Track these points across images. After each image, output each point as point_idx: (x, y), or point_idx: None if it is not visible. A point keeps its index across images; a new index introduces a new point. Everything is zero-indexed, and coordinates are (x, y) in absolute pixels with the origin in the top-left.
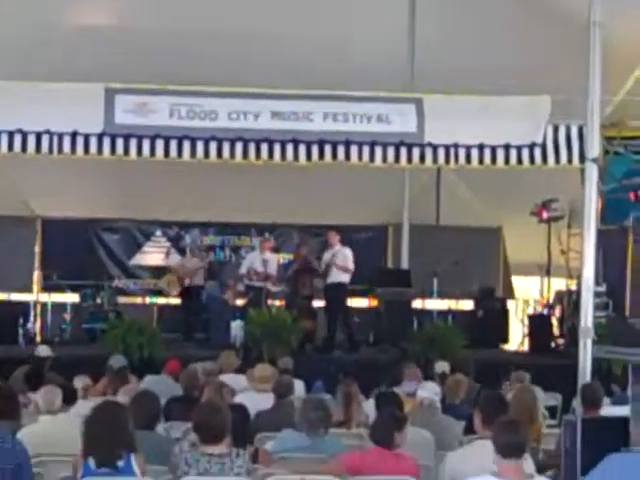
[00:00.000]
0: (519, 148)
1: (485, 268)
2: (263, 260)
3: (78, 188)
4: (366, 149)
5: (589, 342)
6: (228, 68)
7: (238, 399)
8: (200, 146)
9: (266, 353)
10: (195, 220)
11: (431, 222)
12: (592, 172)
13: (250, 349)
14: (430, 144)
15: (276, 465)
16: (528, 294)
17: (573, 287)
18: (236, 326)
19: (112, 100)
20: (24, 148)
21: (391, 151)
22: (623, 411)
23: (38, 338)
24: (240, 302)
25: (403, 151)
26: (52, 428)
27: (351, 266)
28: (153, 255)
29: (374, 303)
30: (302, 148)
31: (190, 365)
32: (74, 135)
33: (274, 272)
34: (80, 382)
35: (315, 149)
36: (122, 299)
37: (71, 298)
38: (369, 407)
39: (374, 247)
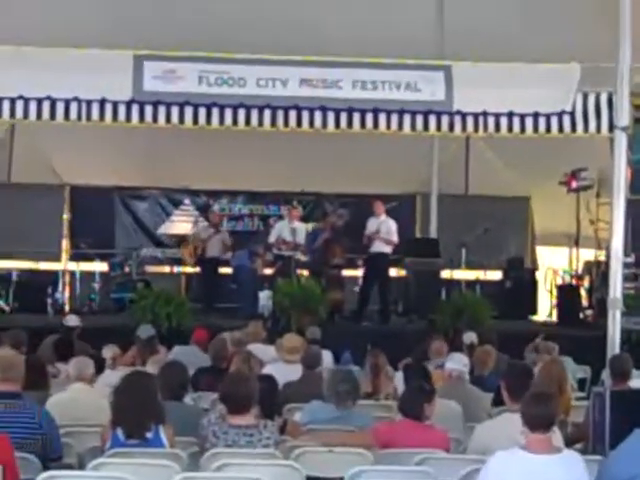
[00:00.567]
0: (548, 116)
1: (514, 238)
2: (291, 229)
3: (107, 156)
4: (394, 117)
5: (618, 313)
6: (257, 35)
7: (266, 370)
8: (228, 113)
9: (294, 323)
10: (223, 189)
11: (460, 191)
12: (621, 141)
13: (278, 319)
14: (459, 112)
15: (304, 437)
16: (557, 264)
17: (602, 258)
18: (264, 296)
19: (141, 67)
20: (52, 115)
21: (420, 119)
22: None
23: (67, 307)
24: (269, 271)
25: (432, 119)
26: (81, 396)
27: (395, 238)
28: (181, 224)
29: (402, 273)
30: (330, 116)
31: (218, 335)
32: (102, 102)
33: (302, 241)
34: (109, 352)
35: (344, 117)
36: (150, 268)
37: (99, 267)
38: (397, 379)
39: (402, 216)
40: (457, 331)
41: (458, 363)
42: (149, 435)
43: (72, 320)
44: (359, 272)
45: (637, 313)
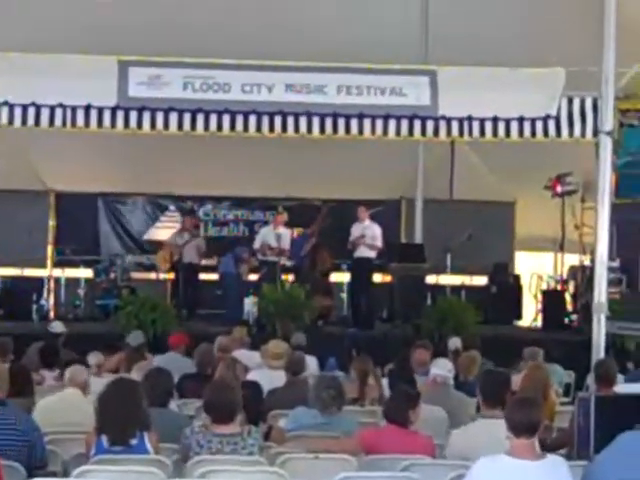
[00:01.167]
0: (533, 121)
1: (499, 243)
2: (276, 235)
3: (92, 162)
4: (379, 122)
5: (603, 318)
6: (242, 41)
7: (251, 376)
8: (213, 119)
9: (279, 329)
10: (208, 194)
11: (445, 196)
12: (606, 145)
13: (263, 325)
14: (444, 117)
15: (289, 443)
16: (542, 270)
17: (587, 262)
18: (249, 302)
19: (125, 73)
20: (37, 122)
21: (405, 124)
22: (637, 388)
23: (52, 314)
24: (254, 277)
25: (417, 124)
26: (75, 401)
27: (379, 243)
28: (167, 230)
29: (387, 278)
30: (316, 121)
31: (203, 343)
32: (87, 108)
33: (287, 247)
34: (94, 359)
35: (329, 122)
36: (135, 275)
37: (85, 273)
38: (383, 385)
39: (387, 221)
40: (442, 336)
41: (443, 369)
42: (134, 442)
43: (57, 327)
44: (345, 277)
45: (622, 318)
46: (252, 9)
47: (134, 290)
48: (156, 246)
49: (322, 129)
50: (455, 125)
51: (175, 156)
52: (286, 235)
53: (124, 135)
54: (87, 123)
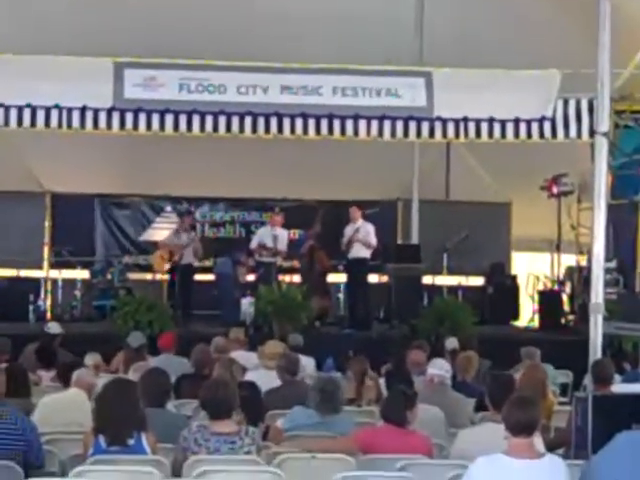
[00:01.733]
0: (529, 122)
1: (495, 244)
2: (273, 235)
3: (88, 163)
4: (375, 123)
5: (600, 318)
6: (237, 42)
7: (248, 377)
8: (209, 120)
9: (276, 330)
10: (205, 195)
11: (441, 197)
12: (602, 146)
13: (260, 326)
14: (439, 118)
15: (287, 443)
16: (538, 270)
17: (583, 263)
18: (246, 303)
19: (121, 74)
20: (33, 123)
21: (400, 125)
22: (634, 388)
23: (48, 315)
24: (250, 278)
25: (412, 125)
26: (79, 400)
27: (373, 241)
28: (163, 231)
29: (384, 279)
30: (311, 122)
31: (200, 344)
32: (83, 110)
33: (284, 247)
34: (91, 359)
35: (324, 123)
36: (132, 275)
37: (81, 274)
38: (380, 385)
39: (383, 222)
40: (439, 337)
41: (440, 369)
42: (131, 442)
43: (54, 327)
44: (342, 278)
45: (619, 318)
46: (247, 11)
47: (131, 291)
48: (153, 247)
49: (318, 130)
50: (451, 126)
51: (171, 157)
52: (283, 236)
53: (120, 136)
54: (83, 124)
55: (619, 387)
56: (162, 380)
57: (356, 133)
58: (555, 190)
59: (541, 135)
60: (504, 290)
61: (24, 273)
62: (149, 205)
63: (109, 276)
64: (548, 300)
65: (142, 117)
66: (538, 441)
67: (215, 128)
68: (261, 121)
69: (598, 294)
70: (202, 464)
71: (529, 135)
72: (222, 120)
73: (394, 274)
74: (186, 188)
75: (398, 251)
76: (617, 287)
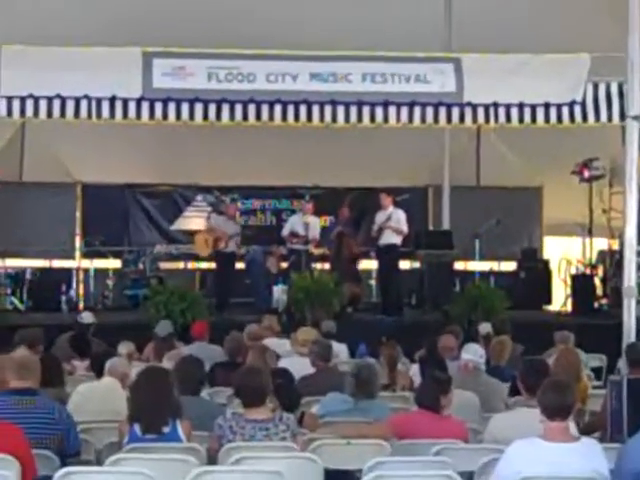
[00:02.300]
0: (559, 106)
1: (527, 228)
2: (304, 223)
3: (117, 153)
4: (405, 110)
5: (633, 302)
6: (265, 30)
7: (281, 364)
8: (239, 109)
9: (309, 317)
10: (235, 184)
11: (471, 183)
12: (633, 130)
13: (293, 313)
14: (469, 103)
15: (322, 429)
16: (571, 254)
17: (615, 247)
18: (279, 290)
19: (150, 64)
20: (63, 113)
21: (430, 111)
22: None
23: (81, 305)
24: (283, 265)
25: (442, 111)
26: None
27: (405, 228)
28: (194, 220)
29: (416, 265)
30: (340, 109)
31: (233, 331)
32: (112, 100)
33: (316, 235)
34: (124, 348)
35: (354, 110)
36: (164, 265)
37: (113, 264)
38: (413, 371)
39: (414, 209)
40: (472, 322)
41: (474, 354)
42: (166, 430)
43: (87, 317)
44: (373, 264)
45: None
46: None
47: (162, 280)
48: (185, 236)
49: (347, 117)
50: (481, 111)
51: (201, 147)
52: (315, 223)
53: (150, 126)
54: (112, 114)
55: None
56: (196, 368)
57: (386, 120)
58: (586, 174)
59: (571, 119)
60: (536, 275)
61: (56, 264)
62: (179, 194)
63: (141, 265)
64: (581, 284)
65: (171, 106)
66: (572, 425)
67: (245, 116)
68: (290, 109)
69: (631, 277)
70: (238, 451)
71: (559, 119)
72: (251, 108)
73: (426, 260)
74: (216, 177)
75: (429, 237)
76: None
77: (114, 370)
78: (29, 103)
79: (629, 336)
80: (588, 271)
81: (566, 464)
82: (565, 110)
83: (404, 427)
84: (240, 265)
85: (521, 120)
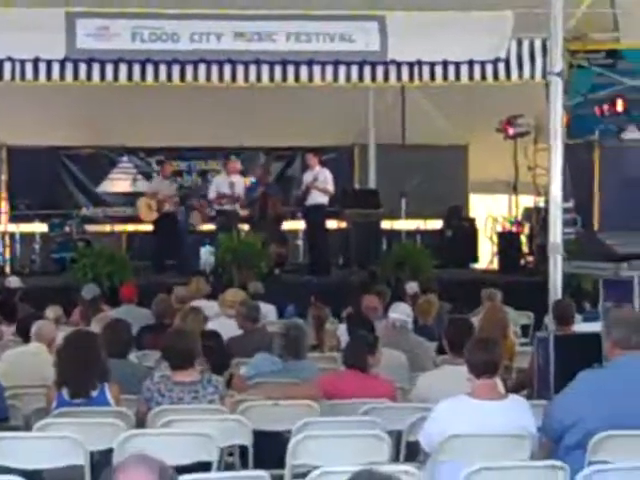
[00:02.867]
0: (483, 64)
1: (453, 186)
2: (230, 182)
3: (43, 115)
4: (329, 69)
5: (559, 258)
6: None
7: (210, 326)
8: (163, 69)
9: (237, 278)
10: (161, 145)
11: (397, 141)
12: (557, 86)
13: (220, 275)
14: (394, 62)
15: (250, 390)
16: (496, 212)
17: (541, 204)
18: (206, 252)
19: (73, 25)
20: None
21: (354, 70)
22: (594, 327)
23: (7, 269)
24: (210, 227)
25: (367, 70)
26: (43, 353)
27: (331, 188)
28: (120, 182)
29: (342, 225)
30: (265, 69)
31: (160, 294)
32: (36, 61)
33: (242, 193)
34: (52, 312)
35: (278, 70)
36: (90, 227)
37: (39, 228)
38: (341, 331)
39: (340, 168)
40: (399, 281)
41: (401, 313)
42: (94, 394)
43: (14, 282)
44: (300, 225)
45: (578, 257)
46: None
47: (90, 243)
48: (110, 198)
49: (271, 77)
50: (405, 70)
51: (126, 107)
52: (240, 183)
53: (75, 88)
54: (36, 76)
55: (580, 326)
56: (124, 330)
57: (310, 79)
58: (511, 131)
59: (495, 76)
60: (463, 233)
61: None
62: (105, 156)
63: (67, 229)
64: (507, 242)
65: (95, 67)
66: (499, 383)
67: (169, 77)
68: (215, 69)
69: (556, 234)
70: (166, 414)
71: (483, 77)
72: (176, 69)
73: (352, 220)
74: (141, 139)
75: (356, 196)
76: (575, 227)
77: (40, 334)
78: None
79: (555, 293)
80: (514, 229)
81: (493, 421)
82: (489, 67)
83: (332, 387)
84: None
85: (445, 78)
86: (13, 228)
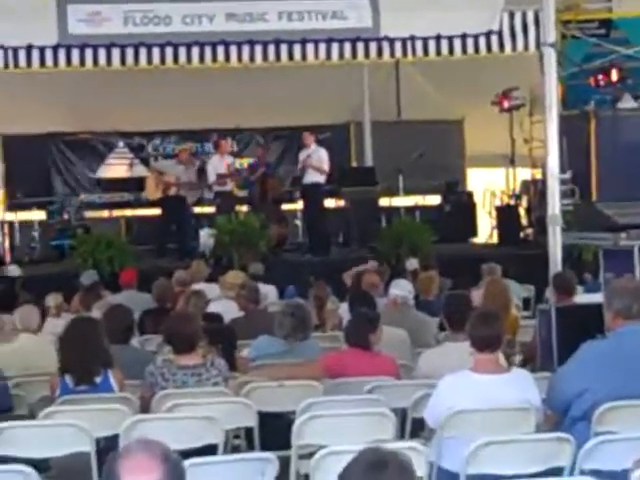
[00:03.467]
0: (476, 37)
1: (450, 161)
2: (225, 163)
3: (37, 103)
4: (322, 47)
5: (558, 230)
6: None
7: (211, 308)
8: (156, 52)
9: (236, 260)
10: (156, 129)
11: (392, 118)
12: (550, 57)
13: (220, 257)
14: (387, 38)
15: (254, 372)
16: (494, 186)
17: (538, 176)
18: (205, 234)
19: (64, 10)
20: None
21: (348, 47)
22: (596, 298)
23: (7, 258)
24: (210, 210)
25: (360, 46)
26: (29, 345)
27: (326, 166)
28: (117, 167)
29: (340, 203)
30: (258, 49)
31: (161, 277)
32: (29, 49)
33: (240, 171)
34: (52, 300)
35: (271, 49)
36: (89, 213)
37: (38, 215)
38: (343, 309)
39: (337, 146)
40: (399, 258)
41: (402, 289)
42: (98, 380)
43: (14, 270)
44: (299, 204)
45: (577, 228)
46: None
47: (89, 229)
48: (108, 184)
49: (265, 57)
50: (398, 45)
51: (121, 92)
52: (232, 163)
53: (68, 74)
54: (29, 63)
55: (581, 297)
56: (125, 316)
57: (304, 57)
58: (506, 104)
59: (488, 49)
60: (461, 207)
61: None
62: (101, 142)
63: (66, 216)
64: (505, 215)
65: (88, 53)
66: (501, 357)
67: (162, 60)
68: (208, 50)
69: (555, 206)
70: (170, 398)
71: (477, 50)
72: (169, 52)
73: (350, 198)
74: (137, 123)
75: (353, 174)
76: (573, 198)
77: (25, 324)
78: None
79: (555, 264)
80: (512, 202)
81: (497, 395)
82: (482, 40)
83: (335, 366)
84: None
85: (438, 52)
86: (11, 217)
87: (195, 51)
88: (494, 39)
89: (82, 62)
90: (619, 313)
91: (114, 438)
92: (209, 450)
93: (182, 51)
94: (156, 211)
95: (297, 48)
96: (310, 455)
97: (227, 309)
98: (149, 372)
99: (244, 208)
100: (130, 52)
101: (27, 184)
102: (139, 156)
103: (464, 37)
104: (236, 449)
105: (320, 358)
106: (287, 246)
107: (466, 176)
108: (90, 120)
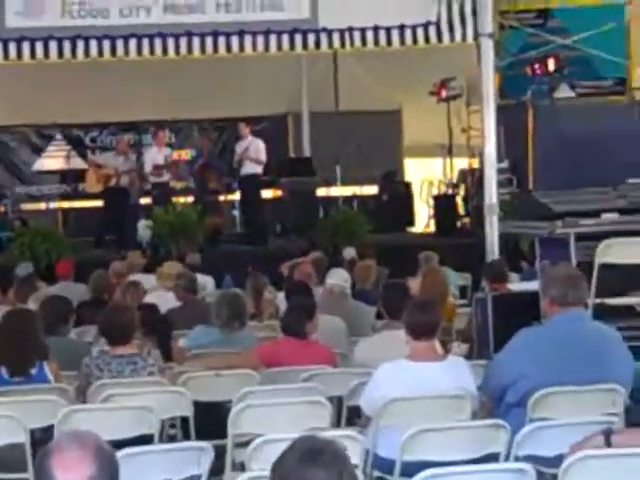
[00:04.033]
0: (414, 28)
1: (387, 151)
2: (162, 155)
3: None
4: (260, 39)
5: (495, 219)
6: None
7: (148, 299)
8: (94, 45)
9: (174, 251)
10: (94, 121)
11: (330, 108)
12: (487, 47)
13: (158, 248)
14: (325, 29)
15: (190, 362)
16: (432, 175)
17: (476, 165)
18: (142, 226)
19: (2, 3)
20: None
21: (286, 39)
22: (531, 286)
23: None
24: (146, 201)
25: (298, 38)
26: None
27: (263, 157)
28: (54, 160)
29: (278, 194)
30: (196, 41)
31: (97, 269)
32: None
33: (177, 163)
34: None
35: (209, 41)
36: (26, 206)
37: None
38: (280, 299)
39: (275, 137)
40: (337, 247)
41: (339, 279)
42: (33, 371)
43: None
44: (236, 196)
45: (514, 217)
46: None
47: (26, 222)
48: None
49: (203, 49)
50: (336, 37)
51: (58, 84)
52: (170, 154)
53: (5, 67)
54: None
55: (517, 285)
56: (61, 306)
57: (242, 49)
58: (444, 94)
59: (427, 40)
60: (398, 197)
61: None
62: (38, 134)
63: (2, 208)
64: (443, 204)
65: (25, 46)
66: (437, 344)
67: (100, 52)
68: (145, 43)
69: (492, 195)
70: (106, 388)
71: (415, 41)
72: (106, 44)
73: (288, 188)
74: (75, 115)
75: (291, 165)
76: (510, 187)
77: None
78: None
79: (492, 253)
80: (450, 191)
81: (433, 383)
82: (420, 31)
83: (271, 355)
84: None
85: (377, 43)
86: None
87: (133, 43)
88: (432, 29)
89: (19, 55)
90: (555, 300)
91: (49, 429)
92: (145, 440)
93: (120, 43)
94: (97, 203)
95: (235, 40)
96: (246, 444)
97: (164, 300)
98: (85, 363)
99: (181, 199)
100: (67, 45)
101: None
102: (77, 148)
103: (402, 28)
104: (172, 439)
105: (256, 347)
106: (225, 237)
107: (404, 166)
108: (27, 112)
